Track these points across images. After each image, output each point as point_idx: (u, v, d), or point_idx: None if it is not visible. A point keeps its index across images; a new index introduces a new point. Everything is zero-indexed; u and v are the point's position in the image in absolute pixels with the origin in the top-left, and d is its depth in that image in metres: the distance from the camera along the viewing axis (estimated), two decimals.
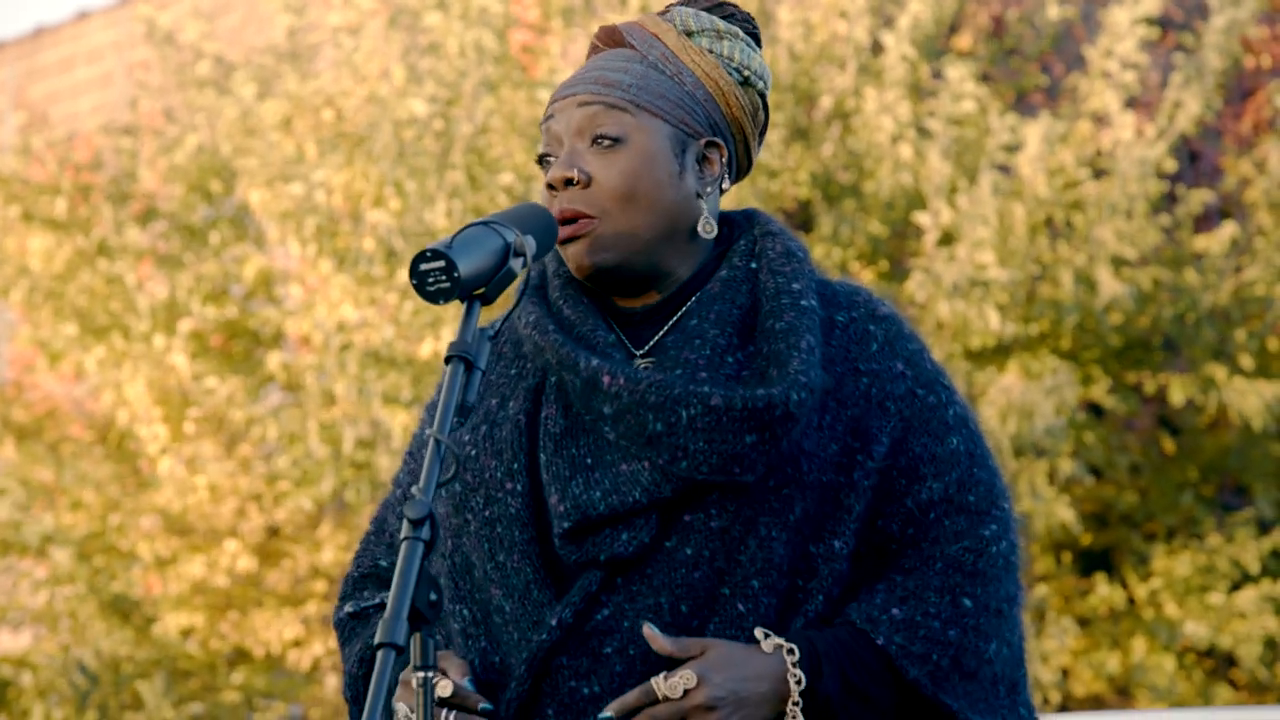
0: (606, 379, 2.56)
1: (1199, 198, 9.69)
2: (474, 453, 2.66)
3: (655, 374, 2.57)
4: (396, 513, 2.81)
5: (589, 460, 2.59)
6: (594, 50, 2.74)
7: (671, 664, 2.54)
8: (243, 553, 9.78)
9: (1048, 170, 9.14)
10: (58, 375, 10.80)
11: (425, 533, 2.38)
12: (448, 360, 2.48)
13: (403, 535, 2.37)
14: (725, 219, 2.73)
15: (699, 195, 2.66)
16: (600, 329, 2.63)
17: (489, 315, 2.65)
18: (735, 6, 2.74)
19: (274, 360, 9.65)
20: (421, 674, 2.37)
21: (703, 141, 2.67)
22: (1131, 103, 9.86)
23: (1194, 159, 10.66)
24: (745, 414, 2.53)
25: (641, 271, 2.65)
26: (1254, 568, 9.44)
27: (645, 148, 2.64)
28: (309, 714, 10.31)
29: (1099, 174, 9.58)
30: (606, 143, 2.63)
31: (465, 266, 2.49)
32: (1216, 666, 10.13)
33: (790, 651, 2.53)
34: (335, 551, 9.84)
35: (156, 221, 10.48)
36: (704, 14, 2.71)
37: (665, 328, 2.65)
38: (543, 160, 2.69)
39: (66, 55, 14.55)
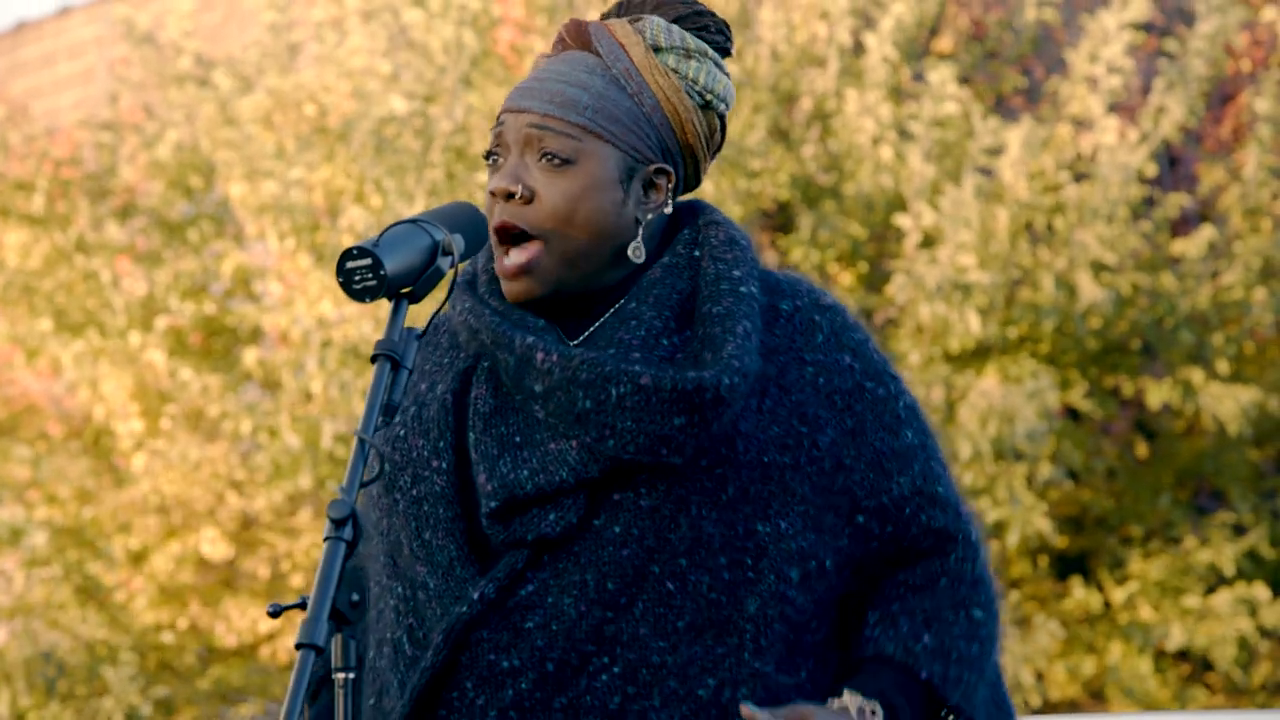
0: (540, 355, 2.55)
1: (1177, 202, 9.70)
2: (403, 432, 2.65)
3: (588, 352, 2.56)
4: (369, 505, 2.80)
5: (518, 439, 2.58)
6: (559, 43, 2.70)
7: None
8: (220, 539, 9.78)
9: (1029, 174, 9.13)
10: (34, 371, 10.78)
11: (348, 532, 2.38)
12: (373, 359, 2.48)
13: (325, 535, 2.37)
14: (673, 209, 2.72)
15: (638, 221, 2.64)
16: (529, 317, 2.62)
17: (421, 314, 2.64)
18: (713, 17, 2.71)
19: (250, 357, 9.64)
20: (343, 675, 2.37)
21: (652, 168, 2.65)
22: (1114, 107, 9.86)
23: (1173, 164, 10.66)
24: (674, 395, 2.51)
25: (577, 292, 2.64)
26: (1229, 570, 9.45)
27: (592, 173, 2.61)
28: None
29: (1079, 178, 9.58)
30: (555, 161, 2.61)
31: (392, 264, 2.48)
32: (1193, 670, 10.13)
33: (874, 713, 2.56)
34: (312, 543, 9.84)
35: (135, 217, 10.47)
36: (675, 29, 2.67)
37: (606, 315, 2.64)
38: (489, 156, 2.67)
39: (48, 51, 14.54)
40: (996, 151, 9.23)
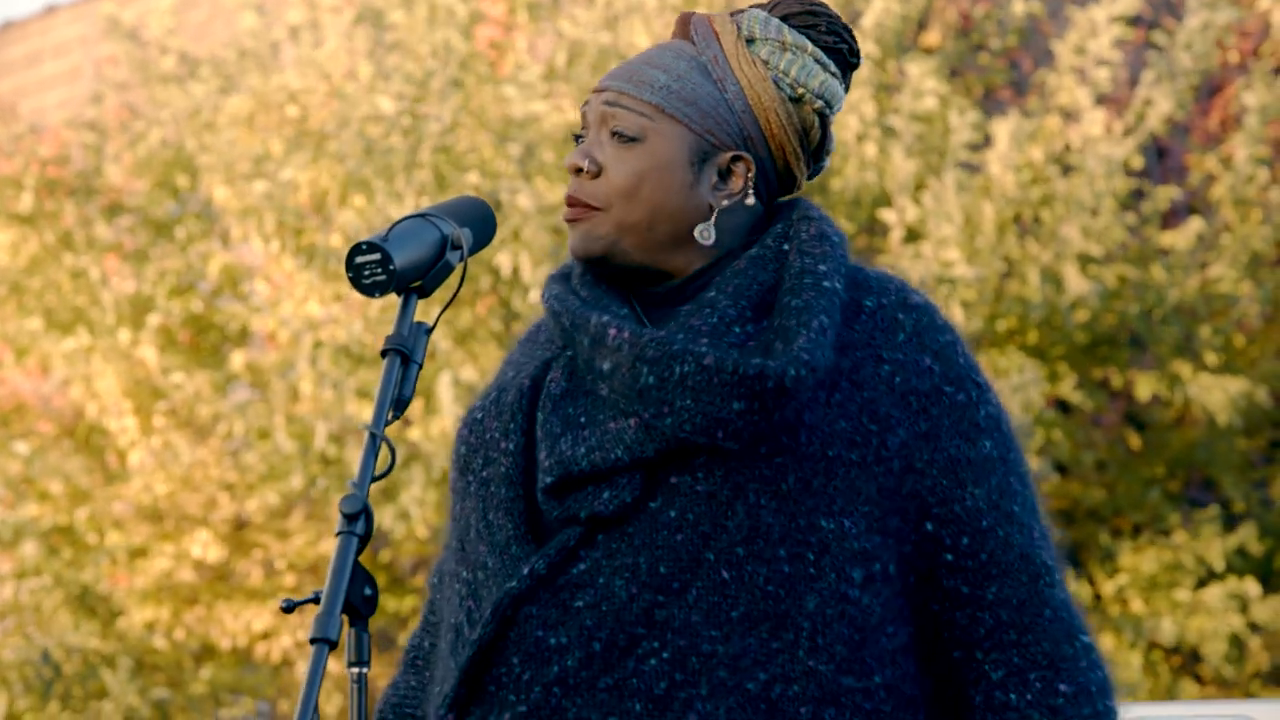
0: (613, 332, 2.54)
1: (1166, 194, 9.71)
2: (480, 416, 2.66)
3: (658, 332, 2.55)
4: (446, 564, 2.79)
5: (582, 419, 2.57)
6: (673, 36, 2.72)
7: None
8: (213, 542, 9.77)
9: (1016, 167, 9.14)
10: (24, 370, 10.76)
11: (360, 527, 2.37)
12: (383, 354, 2.47)
13: (337, 530, 2.37)
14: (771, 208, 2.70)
15: (711, 207, 2.63)
16: (614, 304, 2.62)
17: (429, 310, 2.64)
18: (827, 18, 2.69)
19: (239, 359, 9.63)
20: (356, 670, 2.36)
21: (728, 155, 2.64)
22: (1101, 99, 9.87)
23: (1161, 155, 10.68)
24: (736, 379, 2.49)
25: (635, 265, 2.64)
26: (1219, 565, 9.46)
27: (659, 151, 2.62)
28: (279, 705, 10.29)
29: (1067, 170, 9.59)
30: (623, 138, 2.62)
31: (401, 259, 2.46)
32: (1183, 663, 10.15)
33: None
34: (305, 543, 9.84)
35: (122, 216, 10.45)
36: (774, 22, 2.67)
37: (687, 305, 2.63)
38: (576, 139, 2.69)
39: (34, 50, 14.51)
40: (978, 146, 9.23)
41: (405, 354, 2.45)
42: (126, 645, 9.97)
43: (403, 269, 2.45)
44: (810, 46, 2.66)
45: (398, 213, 9.05)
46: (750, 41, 2.66)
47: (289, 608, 2.45)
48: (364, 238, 2.55)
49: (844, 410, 2.56)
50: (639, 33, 9.19)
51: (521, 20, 9.72)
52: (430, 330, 2.50)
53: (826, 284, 2.56)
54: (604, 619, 2.52)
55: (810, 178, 2.71)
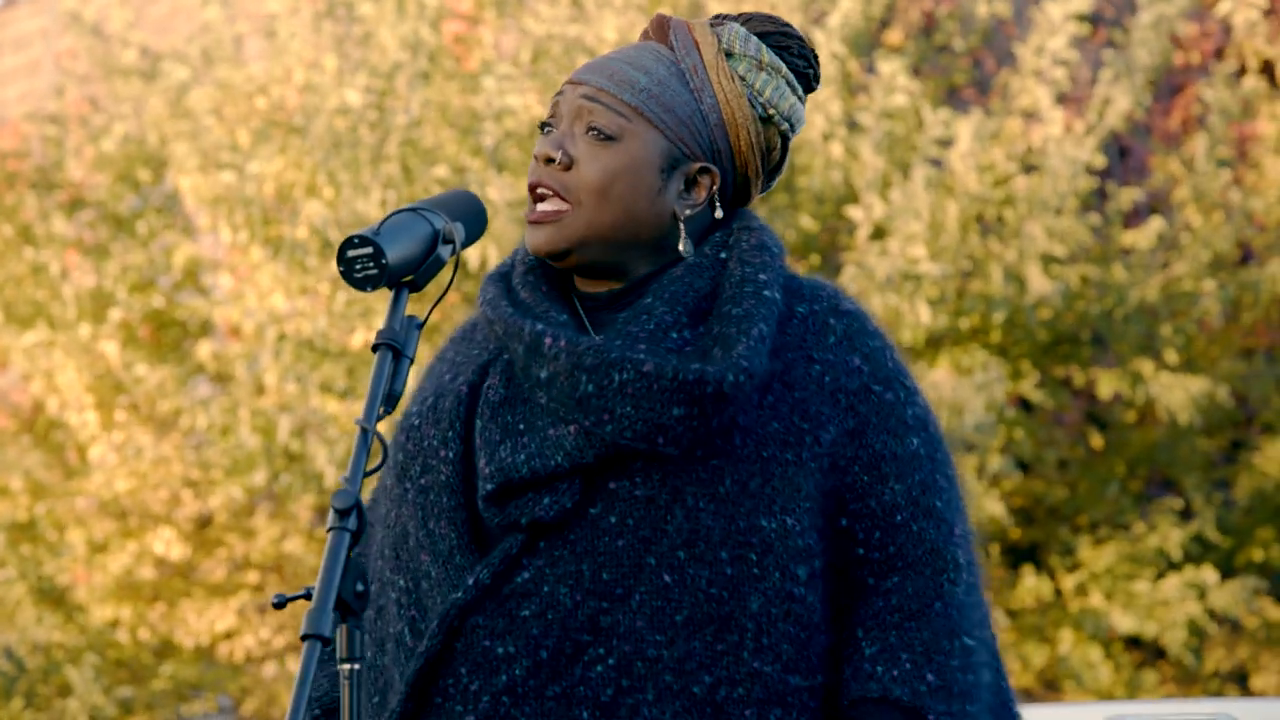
0: (548, 340, 2.56)
1: (1128, 195, 9.75)
2: (418, 422, 2.67)
3: (595, 340, 2.57)
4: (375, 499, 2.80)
5: (520, 426, 2.58)
6: (643, 36, 2.73)
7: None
8: (176, 540, 9.74)
9: (979, 166, 9.16)
10: None
11: (352, 523, 2.36)
12: (375, 348, 2.47)
13: (329, 525, 2.36)
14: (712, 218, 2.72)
15: (675, 216, 2.65)
16: (554, 310, 2.63)
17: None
18: (799, 43, 2.71)
19: (204, 350, 9.60)
20: (348, 666, 2.36)
21: (697, 165, 2.65)
22: (1061, 99, 9.90)
23: (1123, 155, 10.72)
24: (675, 385, 2.52)
25: (597, 264, 2.65)
26: (1176, 555, 9.50)
27: (633, 153, 2.63)
28: (243, 703, 10.27)
29: (1029, 170, 9.62)
30: (599, 135, 2.63)
31: (393, 254, 2.47)
32: (1144, 657, 10.19)
33: None
34: (269, 541, 9.81)
35: (83, 210, 10.40)
36: (754, 40, 2.69)
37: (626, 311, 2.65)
38: (544, 127, 2.68)
39: None
40: (947, 143, 9.26)
41: (397, 348, 2.45)
42: (89, 638, 9.93)
43: (395, 263, 2.45)
44: (784, 68, 2.69)
45: (364, 206, 9.03)
46: (729, 55, 2.67)
47: (280, 603, 2.44)
48: (349, 232, 2.55)
49: (776, 411, 2.59)
50: (608, 27, 9.19)
51: (489, 16, 9.71)
52: (422, 325, 2.50)
53: (767, 293, 2.60)
54: (550, 627, 2.53)
55: (758, 195, 2.74)
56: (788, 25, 2.71)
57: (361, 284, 2.48)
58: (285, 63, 9.57)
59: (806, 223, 9.45)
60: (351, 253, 2.47)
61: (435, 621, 2.56)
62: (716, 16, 2.73)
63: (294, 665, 9.89)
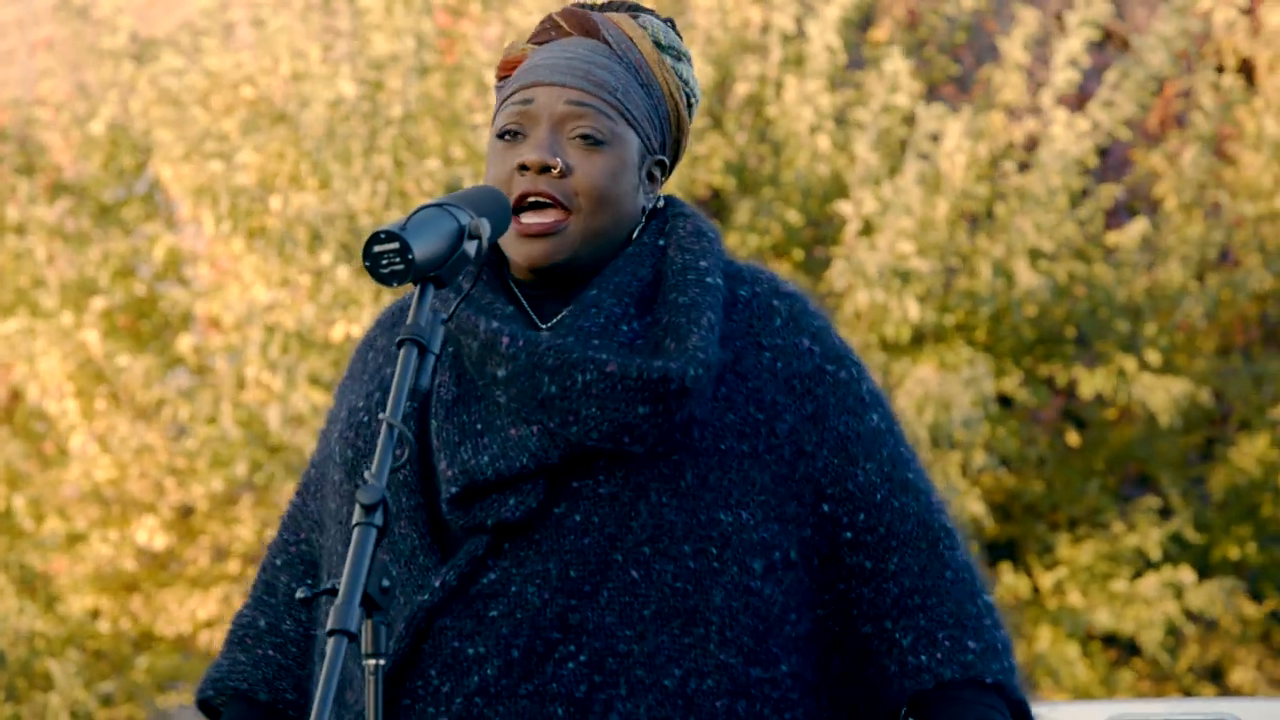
0: (505, 340, 2.56)
1: (1109, 192, 9.78)
2: (366, 419, 2.66)
3: (554, 338, 2.56)
4: (310, 492, 2.79)
5: (479, 426, 2.58)
6: (554, 29, 2.70)
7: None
8: (159, 530, 9.71)
9: (968, 162, 9.18)
10: None
11: (378, 518, 2.36)
12: (400, 344, 2.45)
13: (355, 521, 2.34)
14: None
15: (643, 210, 2.68)
16: (499, 302, 2.63)
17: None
18: (673, 23, 2.74)
19: (185, 342, 9.57)
20: (373, 661, 2.36)
21: (655, 158, 2.68)
22: (1060, 100, 9.93)
23: (1103, 154, 10.74)
24: (640, 384, 2.52)
25: (587, 269, 2.65)
26: (1155, 554, 9.54)
27: (622, 156, 2.64)
28: None
29: (1022, 167, 9.65)
30: (592, 141, 2.62)
31: (420, 249, 2.45)
32: (1119, 654, 10.23)
33: None
34: (252, 531, 9.79)
35: (64, 197, 10.36)
36: (668, 28, 2.71)
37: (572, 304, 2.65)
38: (504, 135, 2.66)
39: None
40: (938, 137, 9.27)
41: (422, 344, 2.44)
42: (69, 629, 9.91)
43: (421, 259, 2.44)
44: (687, 53, 2.72)
45: (354, 198, 9.03)
46: (659, 46, 2.69)
47: (306, 598, 2.45)
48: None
49: (731, 403, 2.60)
50: None
51: (474, 10, 9.69)
52: (446, 320, 2.49)
53: (709, 280, 2.61)
54: (520, 626, 2.53)
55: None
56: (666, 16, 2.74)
57: (387, 279, 2.47)
58: (274, 51, 9.55)
59: (792, 217, 9.46)
60: (378, 248, 2.46)
61: (402, 624, 2.55)
62: (624, 6, 2.73)
63: None
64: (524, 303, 2.66)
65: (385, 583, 2.35)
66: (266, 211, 9.33)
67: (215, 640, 9.90)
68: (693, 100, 2.71)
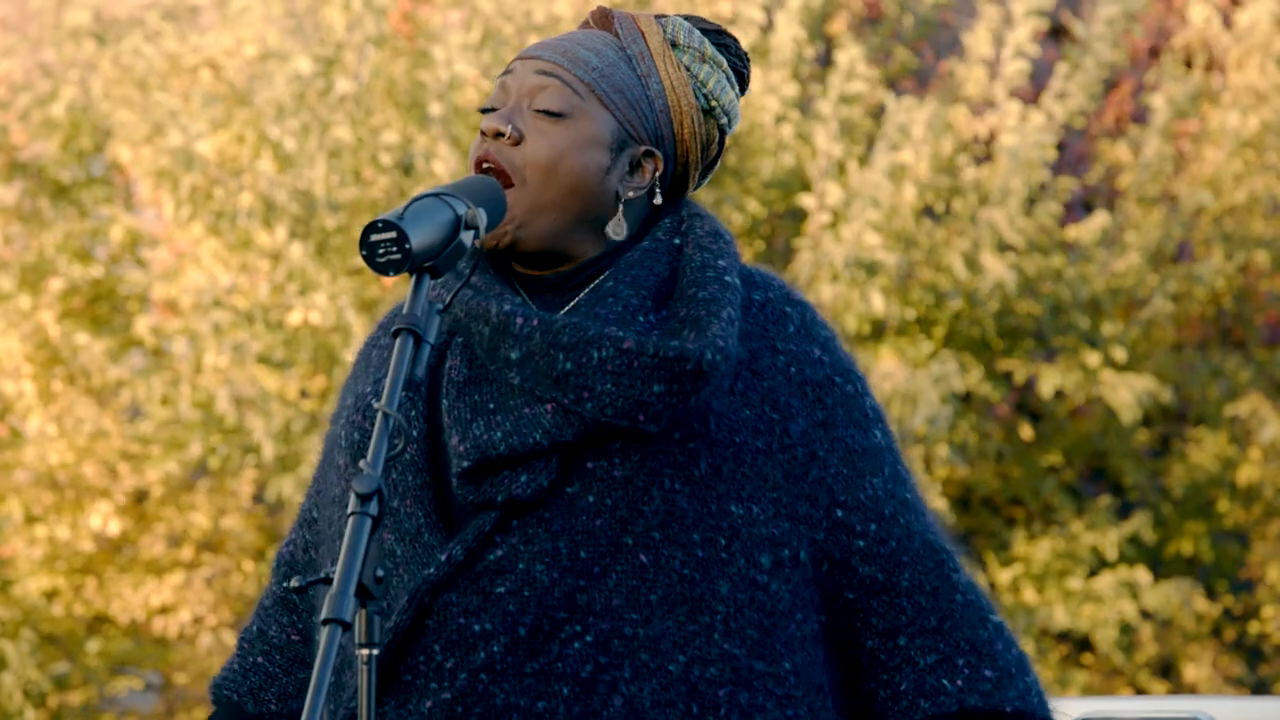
0: (520, 320, 2.56)
1: (1065, 186, 9.81)
2: (375, 404, 2.63)
3: (569, 318, 2.58)
4: (314, 502, 2.79)
5: (491, 405, 2.58)
6: (583, 26, 2.75)
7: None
8: (112, 515, 9.67)
9: (932, 156, 9.21)
10: None
11: (373, 508, 2.35)
12: (396, 333, 2.45)
13: (350, 510, 2.35)
14: (651, 206, 2.74)
15: (618, 196, 2.67)
16: (507, 292, 2.64)
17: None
18: (735, 42, 2.76)
19: (143, 325, 9.54)
20: (367, 651, 2.35)
21: (641, 149, 2.68)
22: (1013, 92, 9.97)
23: (1060, 149, 10.79)
24: (655, 361, 2.53)
25: (542, 248, 2.65)
26: (1112, 554, 9.58)
27: (584, 131, 2.64)
28: (174, 678, 10.22)
29: (980, 161, 9.67)
30: (550, 114, 2.64)
31: (417, 239, 2.45)
32: (1070, 650, 10.28)
33: None
34: (208, 517, 9.76)
35: (21, 178, 10.30)
36: (696, 33, 2.72)
37: (581, 294, 2.65)
38: (485, 111, 2.69)
39: None
40: (905, 129, 9.29)
41: (418, 334, 2.44)
42: (24, 612, 9.86)
43: (418, 249, 2.43)
44: (724, 63, 2.72)
45: (311, 175, 9.01)
46: (674, 46, 2.71)
47: (300, 587, 2.44)
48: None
49: (747, 399, 2.61)
50: (562, 2, 9.19)
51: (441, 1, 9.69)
52: (442, 311, 2.49)
53: (728, 278, 2.63)
54: (526, 604, 2.53)
55: (694, 189, 2.77)
56: (722, 27, 2.76)
57: (384, 268, 2.47)
58: (237, 34, 9.52)
59: (754, 207, 9.47)
60: (375, 237, 2.45)
61: (405, 598, 2.55)
62: (659, 15, 2.78)
63: (229, 639, 9.86)
64: (525, 299, 2.66)
65: (380, 572, 2.35)
66: (227, 195, 9.30)
67: (169, 626, 9.88)
68: (714, 104, 2.71)
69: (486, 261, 2.67)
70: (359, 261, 9.33)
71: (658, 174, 2.68)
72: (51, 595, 9.97)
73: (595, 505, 2.55)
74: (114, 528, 9.75)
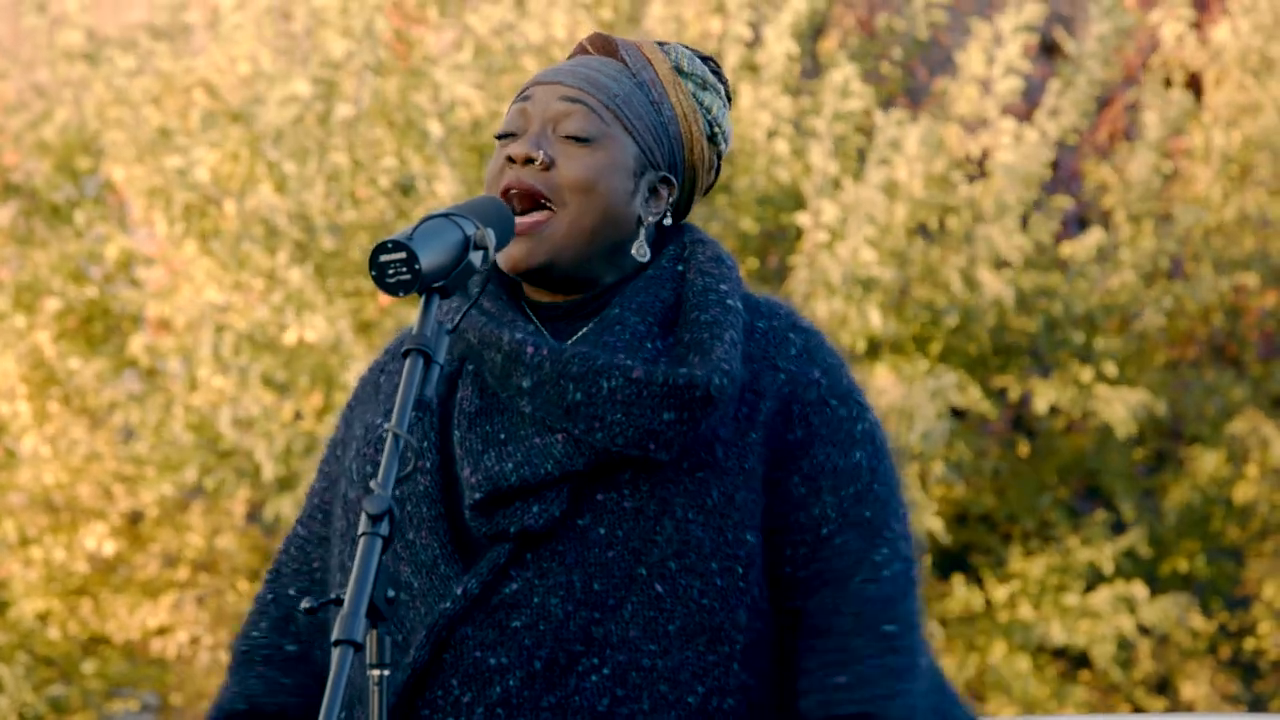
0: (530, 349, 2.57)
1: (1059, 203, 9.83)
2: (384, 435, 2.62)
3: (578, 347, 2.59)
4: (312, 516, 2.79)
5: (502, 435, 2.59)
6: (581, 52, 2.76)
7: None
8: (107, 537, 9.66)
9: (925, 174, 9.22)
10: None
11: (384, 528, 2.36)
12: (406, 354, 2.46)
13: (361, 530, 2.36)
14: (657, 229, 2.75)
15: (639, 220, 2.68)
16: (519, 319, 2.65)
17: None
18: (719, 67, 2.79)
19: (137, 344, 9.53)
20: (378, 672, 2.36)
21: (659, 174, 2.70)
22: (1005, 109, 9.98)
23: (1053, 167, 10.80)
24: (665, 390, 2.54)
25: (569, 275, 2.66)
26: (1108, 568, 9.58)
27: (612, 155, 2.66)
28: (171, 699, 10.20)
29: (972, 179, 9.69)
30: (579, 139, 2.65)
31: (427, 259, 2.46)
32: (1068, 667, 10.27)
33: None
34: (203, 538, 9.75)
35: (15, 199, 10.30)
36: (699, 60, 2.75)
37: (589, 324, 2.66)
38: (502, 136, 2.69)
39: None
40: (898, 145, 9.30)
41: (428, 354, 2.45)
42: (19, 634, 9.85)
43: (428, 269, 2.45)
44: (722, 90, 2.76)
45: (309, 197, 9.01)
46: (680, 73, 2.73)
47: (312, 608, 2.44)
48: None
49: (752, 423, 2.62)
50: (557, 25, 9.20)
51: (431, 15, 9.69)
52: (451, 331, 2.50)
53: (730, 302, 2.65)
54: (543, 638, 2.54)
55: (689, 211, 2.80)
56: (710, 56, 2.79)
57: (394, 289, 2.48)
58: (230, 53, 9.52)
59: (746, 224, 9.48)
60: (384, 257, 2.47)
61: (422, 633, 2.56)
62: (660, 43, 2.79)
63: (227, 659, 9.84)
64: (538, 326, 2.67)
65: (390, 593, 2.36)
66: (221, 214, 9.30)
67: (166, 647, 9.86)
68: (716, 130, 2.74)
69: (499, 287, 2.68)
70: (356, 283, 9.34)
71: (671, 199, 2.71)
72: (47, 617, 9.96)
73: (607, 537, 2.56)
74: (109, 549, 9.75)
